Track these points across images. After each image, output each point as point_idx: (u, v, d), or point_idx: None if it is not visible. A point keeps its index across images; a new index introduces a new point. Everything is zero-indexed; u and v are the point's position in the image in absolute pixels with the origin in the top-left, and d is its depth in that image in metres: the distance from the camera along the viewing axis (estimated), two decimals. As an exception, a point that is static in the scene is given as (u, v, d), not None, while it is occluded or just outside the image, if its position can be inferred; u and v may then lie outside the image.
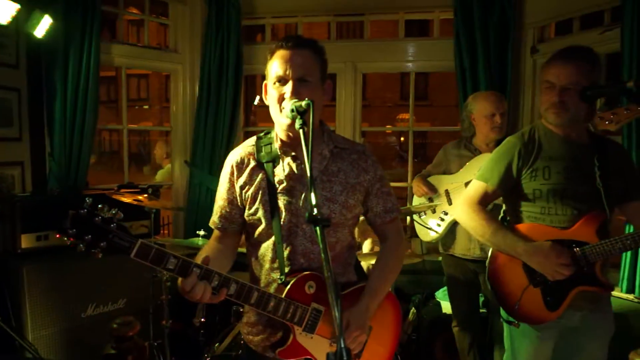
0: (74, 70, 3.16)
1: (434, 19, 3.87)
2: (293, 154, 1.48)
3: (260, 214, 1.47)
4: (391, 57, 3.96)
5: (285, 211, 1.46)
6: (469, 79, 3.45)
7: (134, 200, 2.88)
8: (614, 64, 2.92)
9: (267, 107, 1.48)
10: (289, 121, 1.38)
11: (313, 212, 1.09)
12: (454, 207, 2.87)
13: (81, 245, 1.17)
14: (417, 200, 3.15)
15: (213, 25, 3.71)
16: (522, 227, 1.88)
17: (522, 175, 1.87)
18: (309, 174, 1.15)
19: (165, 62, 3.94)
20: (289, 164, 1.49)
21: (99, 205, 1.20)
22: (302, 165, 1.47)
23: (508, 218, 2.00)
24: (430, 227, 3.03)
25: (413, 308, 3.48)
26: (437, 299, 3.54)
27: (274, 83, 1.42)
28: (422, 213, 3.10)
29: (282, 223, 1.46)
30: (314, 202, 1.11)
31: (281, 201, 1.47)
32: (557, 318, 1.80)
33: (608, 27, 3.01)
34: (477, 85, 3.41)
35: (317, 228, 1.06)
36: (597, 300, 1.84)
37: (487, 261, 1.94)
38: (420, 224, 3.11)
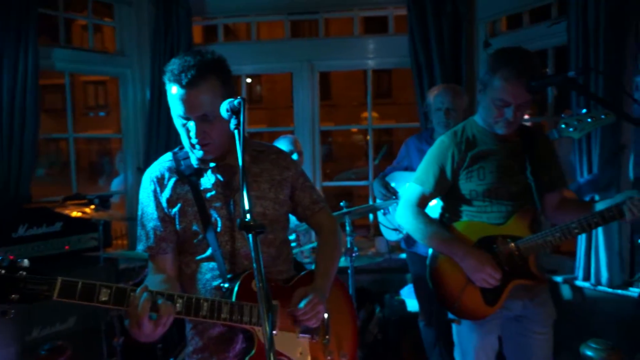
0: (9, 76, 2.97)
1: (389, 15, 3.86)
2: (214, 164, 1.46)
3: (193, 226, 1.43)
4: (348, 55, 3.92)
5: (219, 218, 1.43)
6: (425, 75, 3.45)
7: (80, 212, 2.72)
8: (562, 57, 2.97)
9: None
10: (201, 156, 1.39)
11: (245, 218, 1.01)
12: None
13: None
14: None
15: (161, 27, 3.57)
16: (459, 225, 1.91)
17: (457, 177, 1.89)
18: (241, 174, 1.09)
19: (112, 66, 3.76)
20: (213, 173, 1.46)
21: None
22: (226, 172, 1.46)
23: (446, 215, 2.00)
24: (396, 228, 2.99)
25: (378, 307, 3.45)
26: (402, 297, 3.51)
27: (176, 116, 1.36)
28: (387, 211, 3.06)
29: (218, 230, 1.43)
30: (246, 207, 1.04)
31: (213, 210, 1.44)
32: (498, 310, 1.83)
33: (555, 21, 3.06)
34: (433, 81, 3.41)
35: (250, 235, 0.98)
36: (535, 291, 1.88)
37: (428, 261, 1.95)
38: (385, 225, 3.07)
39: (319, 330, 1.51)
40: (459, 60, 3.44)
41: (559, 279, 3.00)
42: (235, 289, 1.34)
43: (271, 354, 0.81)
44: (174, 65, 1.33)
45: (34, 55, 3.06)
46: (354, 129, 17.91)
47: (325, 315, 1.53)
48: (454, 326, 1.97)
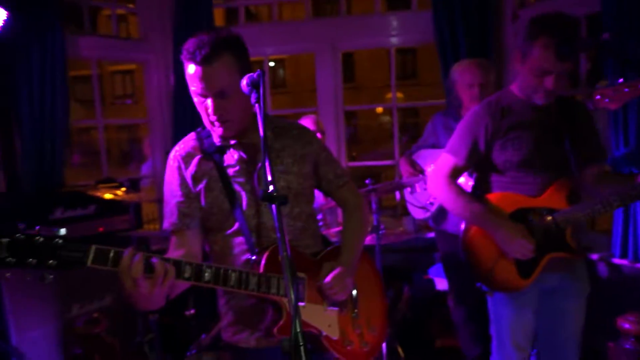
0: (38, 66, 3.04)
1: (412, -11, 3.76)
2: (236, 141, 1.47)
3: (219, 202, 1.45)
4: (371, 33, 3.84)
5: (244, 192, 1.45)
6: (450, 51, 3.35)
7: (112, 194, 2.80)
8: (593, 26, 2.83)
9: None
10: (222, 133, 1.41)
11: (268, 189, 1.01)
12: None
13: (28, 276, 1.08)
14: None
15: (183, 11, 3.58)
16: (492, 196, 1.87)
17: (491, 148, 1.84)
18: (263, 145, 1.09)
19: (136, 52, 3.81)
20: (236, 149, 1.48)
21: (36, 227, 1.10)
22: (249, 149, 1.47)
23: (479, 187, 1.98)
24: (423, 206, 2.96)
25: (407, 286, 3.44)
26: (431, 277, 3.49)
27: (195, 94, 1.38)
28: (414, 190, 3.03)
29: (244, 205, 1.45)
30: (269, 178, 1.04)
31: (238, 185, 1.45)
32: (533, 283, 1.80)
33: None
34: (458, 57, 3.30)
35: (273, 206, 0.99)
36: (572, 264, 1.85)
37: (460, 233, 1.93)
38: (412, 203, 3.04)
39: (347, 303, 1.52)
40: (486, 35, 3.32)
41: (594, 256, 2.92)
42: (263, 261, 1.35)
43: (297, 321, 0.81)
44: (189, 43, 1.34)
45: (60, 43, 3.12)
46: (379, 110, 17.63)
47: (354, 291, 1.54)
48: (489, 301, 1.95)
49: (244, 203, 1.45)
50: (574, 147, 1.78)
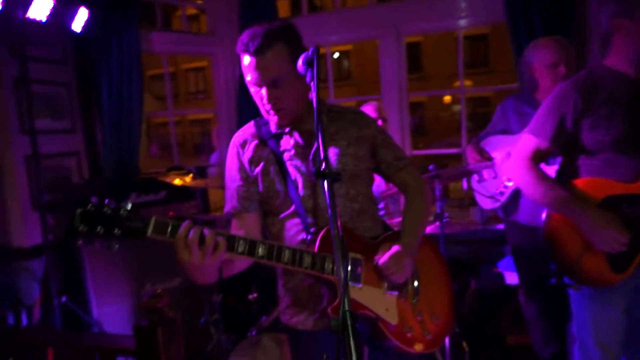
0: (117, 60, 3.25)
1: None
2: (291, 128, 1.49)
3: (276, 185, 1.47)
4: (437, 16, 3.68)
5: (300, 175, 1.46)
6: (523, 29, 3.11)
7: (181, 180, 2.93)
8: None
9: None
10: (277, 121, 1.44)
11: (321, 166, 0.99)
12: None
13: (96, 243, 1.18)
14: None
15: (248, 4, 3.65)
16: (580, 182, 1.69)
17: (580, 127, 1.66)
18: (315, 118, 1.07)
19: (204, 46, 3.95)
20: (292, 135, 1.49)
21: (106, 201, 1.20)
22: (305, 135, 1.48)
23: (565, 172, 1.81)
24: (492, 195, 2.79)
25: (474, 279, 3.30)
26: (500, 270, 3.31)
27: (250, 84, 1.41)
28: (482, 178, 2.87)
29: (300, 188, 1.46)
30: (321, 156, 1.02)
31: (294, 168, 1.47)
32: (626, 278, 1.61)
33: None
34: (532, 36, 3.07)
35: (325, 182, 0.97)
36: None
37: (543, 221, 1.76)
38: (480, 192, 2.89)
39: (406, 288, 1.47)
40: (564, 10, 3.05)
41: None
42: (318, 240, 1.35)
43: (345, 300, 0.78)
44: (243, 35, 1.38)
45: (136, 40, 3.31)
46: (447, 99, 16.97)
47: (415, 278, 1.50)
48: (572, 296, 1.78)
49: (300, 186, 1.46)
50: None
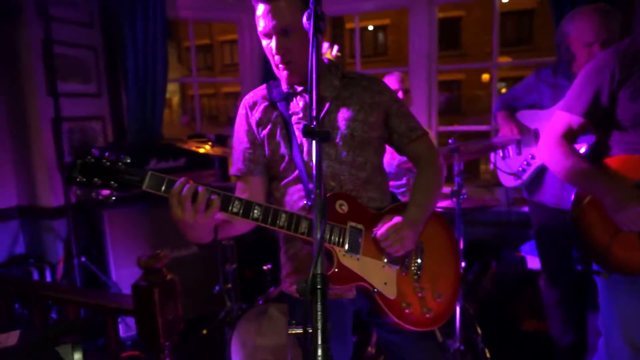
0: (142, 25, 3.23)
1: None
2: (302, 88, 1.44)
3: (281, 148, 1.44)
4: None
5: (306, 139, 1.41)
6: None
7: (201, 147, 2.93)
8: None
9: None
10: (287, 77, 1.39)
11: (311, 124, 0.94)
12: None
13: (93, 194, 1.20)
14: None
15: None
16: (613, 160, 1.56)
17: (616, 100, 1.52)
18: (310, 74, 1.01)
19: (230, 11, 3.89)
20: (303, 96, 1.44)
21: (106, 153, 1.22)
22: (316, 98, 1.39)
23: (598, 150, 1.67)
24: (514, 172, 2.66)
25: (494, 262, 3.19)
26: (522, 254, 3.19)
27: (262, 36, 1.38)
28: (507, 154, 2.73)
29: (305, 152, 1.42)
30: (313, 113, 0.96)
31: (300, 132, 1.43)
32: None
33: None
34: (576, 4, 2.83)
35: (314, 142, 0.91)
36: None
37: (571, 203, 1.65)
38: (503, 170, 2.75)
39: (408, 262, 1.41)
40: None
41: None
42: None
43: (318, 262, 0.73)
44: None
45: (162, 3, 3.28)
46: (485, 78, 16.29)
47: (419, 254, 1.44)
48: (600, 285, 1.67)
49: (305, 150, 1.42)
50: None
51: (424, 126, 1.57)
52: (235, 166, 1.52)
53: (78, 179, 1.18)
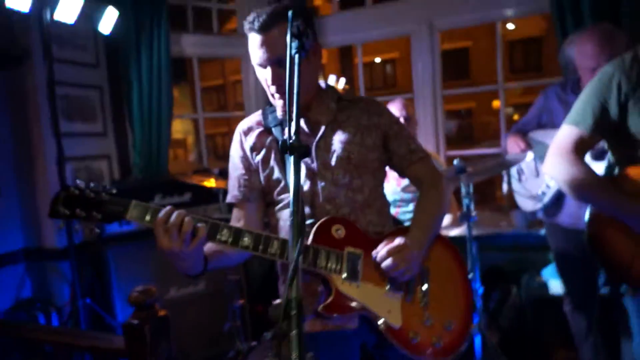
0: (147, 64, 3.29)
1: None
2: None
3: (276, 173, 1.41)
4: (473, 7, 3.46)
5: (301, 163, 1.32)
6: (571, 18, 2.82)
7: (205, 182, 2.91)
8: None
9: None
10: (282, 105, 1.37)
11: (289, 140, 0.88)
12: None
13: (75, 224, 1.20)
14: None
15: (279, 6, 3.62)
16: (633, 170, 1.49)
17: (626, 112, 1.46)
18: (289, 72, 1.00)
19: (234, 47, 3.95)
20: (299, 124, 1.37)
21: (91, 184, 1.22)
22: (310, 124, 1.41)
23: (615, 168, 1.59)
24: (533, 196, 2.54)
25: (515, 288, 3.03)
26: (544, 279, 3.02)
27: (257, 66, 1.38)
28: (523, 176, 2.63)
29: (302, 175, 1.37)
30: (292, 129, 0.91)
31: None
32: None
33: None
34: (580, 22, 2.78)
35: (292, 157, 0.87)
36: None
37: (586, 222, 1.56)
38: (520, 193, 2.63)
39: (413, 288, 1.32)
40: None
41: None
42: (313, 231, 1.26)
43: (293, 286, 0.66)
44: (250, 15, 1.34)
45: (166, 42, 3.35)
46: (496, 104, 16.25)
47: (425, 279, 1.35)
48: (630, 308, 1.57)
49: (302, 174, 1.36)
50: None
51: (431, 151, 1.51)
52: (231, 194, 1.49)
53: (61, 211, 1.17)
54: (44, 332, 1.69)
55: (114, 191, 1.21)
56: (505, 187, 3.35)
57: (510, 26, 13.49)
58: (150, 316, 1.40)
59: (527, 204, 2.62)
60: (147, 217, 1.18)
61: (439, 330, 1.32)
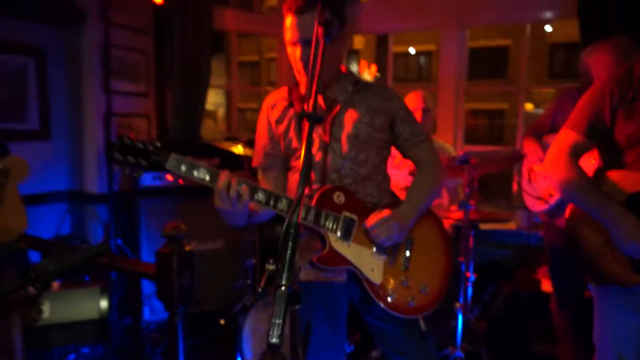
0: (191, 34, 3.53)
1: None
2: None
3: (293, 142, 1.60)
4: (504, 5, 3.53)
5: (317, 136, 1.57)
6: (597, 23, 2.89)
7: (232, 148, 3.15)
8: None
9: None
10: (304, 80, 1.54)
11: (308, 108, 1.10)
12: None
13: (127, 170, 1.42)
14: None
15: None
16: (615, 173, 1.61)
17: (615, 119, 1.59)
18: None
19: (272, 26, 4.15)
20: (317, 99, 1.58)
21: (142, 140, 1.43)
22: (328, 101, 1.58)
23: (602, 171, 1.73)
24: (541, 197, 2.67)
25: (509, 283, 3.20)
26: (538, 277, 3.19)
27: (289, 44, 1.53)
28: (532, 178, 2.76)
29: (314, 148, 1.56)
30: (312, 101, 1.13)
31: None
32: None
33: None
34: (606, 30, 2.85)
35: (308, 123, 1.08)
36: None
37: (566, 219, 1.70)
38: (529, 193, 2.76)
39: (396, 254, 1.53)
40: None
41: None
42: (316, 195, 1.47)
43: (296, 212, 0.88)
44: None
45: (209, 16, 3.59)
46: (529, 107, 15.90)
47: (407, 247, 1.55)
48: (594, 298, 1.69)
49: (314, 146, 1.57)
50: None
51: (449, 144, 1.68)
52: (256, 159, 1.71)
53: (116, 157, 1.40)
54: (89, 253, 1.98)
55: (158, 144, 1.43)
56: (515, 186, 3.50)
57: (548, 28, 13.16)
58: (179, 248, 1.66)
59: (534, 204, 2.75)
60: (183, 168, 1.39)
61: (414, 292, 1.53)
